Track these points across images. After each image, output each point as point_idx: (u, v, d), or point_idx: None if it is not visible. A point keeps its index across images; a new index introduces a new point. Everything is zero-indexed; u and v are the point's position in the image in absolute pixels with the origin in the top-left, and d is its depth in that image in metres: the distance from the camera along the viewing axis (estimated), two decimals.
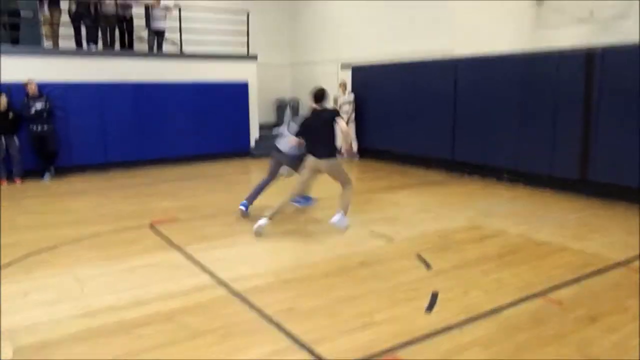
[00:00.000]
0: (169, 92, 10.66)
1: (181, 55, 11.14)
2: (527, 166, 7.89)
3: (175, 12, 10.96)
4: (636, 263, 4.55)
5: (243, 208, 6.33)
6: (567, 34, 7.57)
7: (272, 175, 6.50)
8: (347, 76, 11.67)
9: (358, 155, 11.38)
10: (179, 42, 11.18)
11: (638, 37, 6.62)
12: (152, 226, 5.93)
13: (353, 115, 11.21)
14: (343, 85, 11.37)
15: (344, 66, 12.04)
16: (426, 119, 9.58)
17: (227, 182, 9.07)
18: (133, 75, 10.21)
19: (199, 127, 11.06)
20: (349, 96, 11.28)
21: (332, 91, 12.22)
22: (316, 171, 5.72)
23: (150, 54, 10.89)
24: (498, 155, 8.27)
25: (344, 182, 5.74)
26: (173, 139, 10.74)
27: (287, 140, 6.17)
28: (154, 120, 10.49)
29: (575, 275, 4.25)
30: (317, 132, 5.58)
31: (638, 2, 6.78)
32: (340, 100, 11.35)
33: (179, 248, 5.10)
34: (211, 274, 4.36)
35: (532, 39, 8.09)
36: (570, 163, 7.35)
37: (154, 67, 10.59)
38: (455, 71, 8.97)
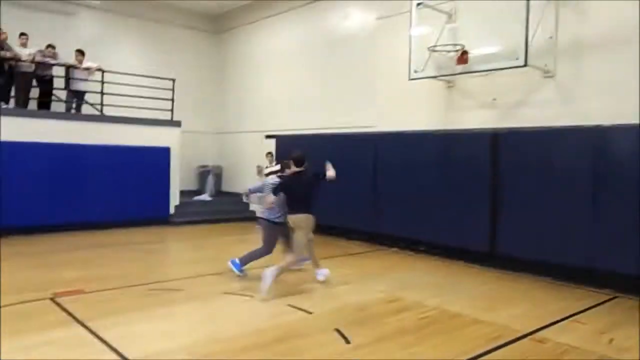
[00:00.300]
0: (86, 155, 10.25)
1: (101, 117, 10.86)
2: (442, 239, 8.23)
3: (98, 75, 10.83)
4: (540, 334, 4.77)
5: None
6: (475, 117, 8.25)
7: (269, 247, 6.57)
8: (272, 146, 11.85)
9: None
10: (100, 105, 10.96)
11: (535, 123, 7.35)
12: (54, 299, 5.46)
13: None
14: (270, 156, 11.50)
15: (269, 136, 12.25)
16: (348, 191, 9.80)
17: (143, 250, 8.64)
18: (48, 136, 9.76)
19: (116, 192, 10.63)
20: (276, 167, 11.37)
21: (257, 160, 12.35)
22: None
23: (68, 115, 10.53)
24: (416, 227, 8.57)
25: (295, 246, 6.11)
26: (87, 204, 10.21)
27: (264, 201, 6.40)
28: (67, 183, 9.98)
29: (488, 347, 4.36)
30: (296, 193, 6.19)
31: (535, 91, 7.58)
32: (266, 170, 11.43)
33: (83, 324, 4.70)
34: (117, 353, 4.03)
35: (445, 120, 8.73)
36: (481, 237, 7.76)
37: (71, 128, 10.19)
38: (376, 145, 9.40)
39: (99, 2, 12.20)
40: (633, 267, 6.23)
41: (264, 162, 11.59)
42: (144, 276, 6.65)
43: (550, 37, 7.30)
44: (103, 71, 10.88)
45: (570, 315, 5.36)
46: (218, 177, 13.63)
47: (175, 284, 6.29)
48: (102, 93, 10.94)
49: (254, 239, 10.45)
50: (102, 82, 10.88)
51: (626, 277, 6.31)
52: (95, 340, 4.32)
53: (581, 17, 7.07)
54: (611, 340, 4.63)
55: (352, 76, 10.51)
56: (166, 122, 11.68)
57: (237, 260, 6.63)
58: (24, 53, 9.99)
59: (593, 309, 5.66)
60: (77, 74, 10.67)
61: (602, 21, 6.89)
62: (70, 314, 4.98)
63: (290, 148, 11.35)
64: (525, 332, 4.78)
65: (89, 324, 4.67)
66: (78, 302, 5.36)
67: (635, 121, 6.33)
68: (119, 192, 10.68)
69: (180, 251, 9.35)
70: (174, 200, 11.76)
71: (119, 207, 10.68)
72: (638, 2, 6.55)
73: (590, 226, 6.61)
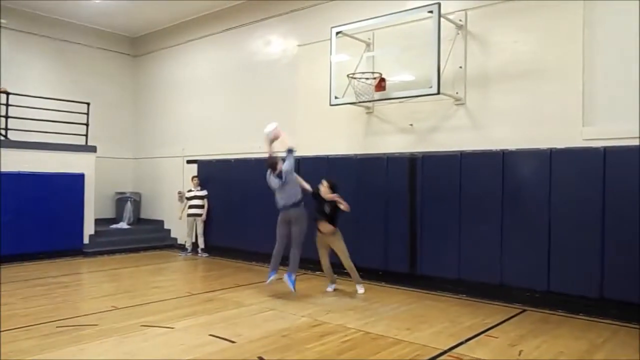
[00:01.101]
0: None
1: (6, 142, 10.12)
2: (364, 261, 8.36)
3: (2, 97, 10.17)
4: (457, 350, 4.95)
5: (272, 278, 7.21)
6: (393, 141, 8.55)
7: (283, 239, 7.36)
8: (194, 172, 11.60)
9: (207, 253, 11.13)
10: (5, 130, 10.25)
11: (449, 147, 7.76)
12: None
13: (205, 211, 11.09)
14: (195, 180, 11.25)
15: (190, 161, 12.00)
16: (269, 216, 9.72)
17: (50, 285, 8.03)
18: None
19: (22, 222, 9.89)
20: (201, 192, 11.15)
21: (177, 186, 12.04)
22: None
23: None
24: None
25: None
26: None
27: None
28: None
29: None
30: None
31: (448, 117, 8.01)
32: (189, 194, 11.15)
33: None
34: None
35: (364, 144, 8.97)
36: (401, 258, 8.00)
37: None
38: (297, 169, 9.42)
39: (4, 20, 11.50)
40: (539, 282, 6.68)
41: (189, 186, 11.34)
42: (53, 312, 6.20)
43: (460, 67, 7.78)
44: (8, 93, 10.21)
45: (484, 330, 5.62)
46: (136, 204, 13.09)
47: (88, 319, 5.92)
48: (7, 117, 10.24)
49: (173, 267, 10.18)
50: (7, 105, 10.20)
51: (533, 292, 6.75)
52: None
53: (485, 50, 7.61)
54: (520, 352, 4.90)
55: (273, 101, 10.58)
56: (80, 148, 11.11)
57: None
58: None
59: (504, 323, 5.96)
60: None
61: (502, 55, 7.45)
62: None
63: (211, 173, 11.25)
64: (443, 349, 4.94)
65: None
66: None
67: (534, 146, 6.88)
68: (28, 223, 9.96)
69: (94, 283, 8.82)
70: (89, 229, 11.14)
71: (26, 239, 9.94)
72: (532, 39, 7.17)
73: (500, 244, 7.02)
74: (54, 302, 6.88)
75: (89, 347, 4.99)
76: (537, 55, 7.14)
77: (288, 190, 7.17)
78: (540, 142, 6.87)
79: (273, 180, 7.23)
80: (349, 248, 7.57)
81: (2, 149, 9.89)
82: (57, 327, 5.57)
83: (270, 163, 7.19)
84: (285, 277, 7.13)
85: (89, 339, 5.21)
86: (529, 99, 7.17)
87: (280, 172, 7.11)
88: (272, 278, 7.24)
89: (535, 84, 7.11)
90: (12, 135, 10.35)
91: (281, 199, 7.25)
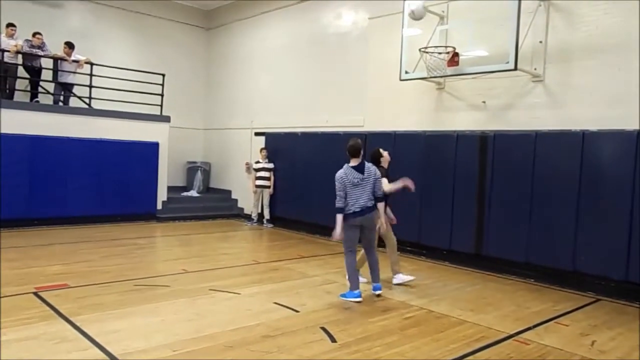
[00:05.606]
0: (72, 148, 10.13)
1: (89, 111, 10.74)
2: (428, 240, 8.27)
3: (86, 68, 10.72)
4: (524, 335, 4.82)
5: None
6: (464, 118, 8.30)
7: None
8: (261, 144, 11.81)
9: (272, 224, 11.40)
10: (88, 99, 10.85)
11: (523, 126, 7.43)
12: (36, 293, 5.40)
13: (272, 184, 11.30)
14: (263, 152, 11.45)
15: (258, 134, 12.22)
16: (334, 191, 9.79)
17: (129, 246, 8.56)
18: (33, 128, 9.65)
19: (102, 186, 10.54)
20: (269, 164, 11.34)
21: (245, 157, 12.33)
22: None
23: (55, 107, 10.41)
24: (402, 229, 8.56)
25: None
26: (72, 198, 10.12)
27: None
28: (51, 176, 9.86)
29: (471, 348, 4.40)
30: None
31: (524, 94, 7.65)
32: (256, 166, 11.36)
33: (66, 318, 4.67)
34: (101, 348, 4.01)
35: (434, 121, 8.76)
36: (467, 238, 7.82)
37: (57, 121, 10.07)
38: (364, 145, 9.37)
39: None
40: (616, 271, 6.32)
41: (257, 157, 11.56)
42: (130, 272, 6.62)
43: (540, 42, 7.37)
44: (92, 64, 10.77)
45: (554, 317, 5.42)
46: (206, 173, 13.57)
47: (161, 280, 6.26)
48: (90, 86, 10.82)
49: (240, 235, 10.51)
50: (91, 75, 10.77)
51: (609, 281, 6.41)
52: (79, 335, 4.28)
53: (570, 23, 7.14)
54: (593, 343, 4.69)
55: (342, 75, 10.52)
56: (155, 117, 11.59)
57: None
58: (10, 44, 9.88)
59: (576, 311, 5.72)
60: (65, 66, 10.55)
61: (590, 27, 6.95)
62: (53, 308, 4.94)
63: (278, 145, 11.42)
64: (509, 334, 4.82)
65: (72, 319, 4.63)
66: (62, 297, 5.32)
67: (619, 127, 6.42)
68: (106, 187, 10.59)
69: (166, 247, 9.30)
70: (162, 195, 11.68)
71: (105, 202, 10.60)
72: (625, 10, 6.63)
73: (575, 230, 6.69)
74: (131, 261, 7.33)
75: (162, 305, 5.28)
76: (628, 28, 6.59)
77: None
78: (626, 123, 6.41)
79: None
80: (413, 226, 7.48)
81: (85, 117, 10.51)
82: (134, 285, 5.95)
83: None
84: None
85: (162, 299, 5.51)
86: (615, 76, 6.68)
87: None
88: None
89: (624, 59, 6.61)
90: (93, 104, 10.94)
91: None
